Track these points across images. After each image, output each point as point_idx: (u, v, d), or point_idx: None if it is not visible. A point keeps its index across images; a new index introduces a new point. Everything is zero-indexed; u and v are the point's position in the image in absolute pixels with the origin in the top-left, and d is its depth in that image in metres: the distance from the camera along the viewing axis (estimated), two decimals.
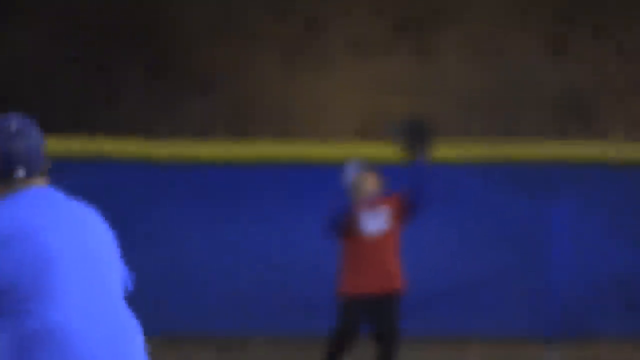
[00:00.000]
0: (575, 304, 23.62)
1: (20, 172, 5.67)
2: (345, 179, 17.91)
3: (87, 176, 22.36)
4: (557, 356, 23.42)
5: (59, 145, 22.41)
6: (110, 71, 26.58)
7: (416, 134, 17.52)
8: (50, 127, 18.84)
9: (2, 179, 5.59)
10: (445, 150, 21.94)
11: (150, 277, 20.33)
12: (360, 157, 19.96)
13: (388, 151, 21.33)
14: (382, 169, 18.49)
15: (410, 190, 17.74)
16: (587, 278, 22.88)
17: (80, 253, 5.45)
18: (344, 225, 17.53)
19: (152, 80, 26.63)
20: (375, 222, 16.67)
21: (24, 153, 5.90)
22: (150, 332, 21.76)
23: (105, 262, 5.52)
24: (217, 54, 27.08)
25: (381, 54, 27.74)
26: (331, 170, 21.11)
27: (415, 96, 26.93)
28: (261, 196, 23.06)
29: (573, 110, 27.70)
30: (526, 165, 23.85)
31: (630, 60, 27.72)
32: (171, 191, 22.75)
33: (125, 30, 26.65)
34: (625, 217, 24.24)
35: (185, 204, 22.72)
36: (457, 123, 26.63)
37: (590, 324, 22.99)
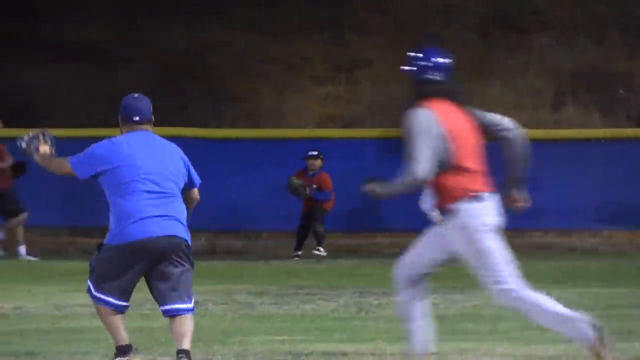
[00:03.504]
0: None
1: (136, 118, 9.34)
2: None
3: None
4: None
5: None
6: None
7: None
8: None
9: (125, 122, 9.29)
10: None
11: None
12: None
13: None
14: None
15: None
16: None
17: (154, 158, 9.18)
18: None
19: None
20: None
21: (140, 108, 9.44)
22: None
23: (166, 166, 9.19)
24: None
25: None
26: None
27: None
28: None
29: None
30: None
31: None
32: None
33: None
34: None
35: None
36: None
37: None
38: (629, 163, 24.23)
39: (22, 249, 21.59)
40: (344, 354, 9.63)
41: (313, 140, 22.88)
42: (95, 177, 9.42)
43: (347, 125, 25.98)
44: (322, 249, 22.35)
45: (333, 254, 21.83)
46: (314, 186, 22.33)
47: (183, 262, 9.33)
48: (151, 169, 9.38)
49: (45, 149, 9.81)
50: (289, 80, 26.74)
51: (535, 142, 23.15)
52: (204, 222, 23.01)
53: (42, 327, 12.07)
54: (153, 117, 9.70)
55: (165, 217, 9.29)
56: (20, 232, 21.72)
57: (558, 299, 13.66)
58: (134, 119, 9.51)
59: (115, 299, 9.19)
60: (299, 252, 22.39)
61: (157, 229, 9.21)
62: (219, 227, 23.83)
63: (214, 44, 27.74)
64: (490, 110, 27.60)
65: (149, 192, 9.29)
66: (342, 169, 22.78)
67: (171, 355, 9.48)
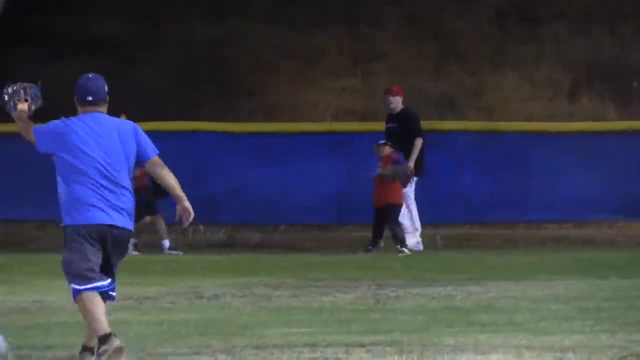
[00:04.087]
0: None
1: (89, 98, 9.31)
2: None
3: None
4: None
5: None
6: None
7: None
8: None
9: (80, 103, 9.23)
10: None
11: None
12: None
13: None
14: None
15: None
16: None
17: (102, 143, 9.23)
18: None
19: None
20: None
21: (93, 88, 9.43)
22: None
23: (114, 144, 9.27)
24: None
25: None
26: None
27: None
28: None
29: None
30: None
31: None
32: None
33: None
34: None
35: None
36: None
37: None
38: None
39: (166, 243, 21.45)
40: (362, 346, 9.62)
41: (330, 134, 22.90)
42: (50, 156, 9.59)
43: (364, 118, 25.91)
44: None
45: (350, 247, 21.67)
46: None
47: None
48: (100, 153, 9.50)
49: (23, 106, 9.86)
50: (305, 73, 26.78)
51: (551, 134, 23.18)
52: (222, 216, 23.33)
53: (63, 320, 11.93)
54: (107, 97, 9.75)
55: (111, 199, 9.48)
56: (162, 227, 21.56)
57: (574, 290, 14.01)
58: (87, 99, 9.59)
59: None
60: (371, 248, 21.62)
61: (103, 214, 9.38)
62: (237, 220, 23.68)
63: (230, 37, 27.72)
64: (506, 101, 26.52)
65: (96, 175, 9.42)
66: (359, 162, 22.49)
67: (190, 347, 9.64)
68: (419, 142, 20.96)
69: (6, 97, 9.64)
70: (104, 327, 9.05)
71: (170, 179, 9.98)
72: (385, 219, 21.70)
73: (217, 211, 23.38)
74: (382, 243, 21.89)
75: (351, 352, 9.36)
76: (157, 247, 20.66)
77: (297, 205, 23.51)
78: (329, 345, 9.79)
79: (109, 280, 9.49)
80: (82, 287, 9.24)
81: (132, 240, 20.32)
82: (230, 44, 27.90)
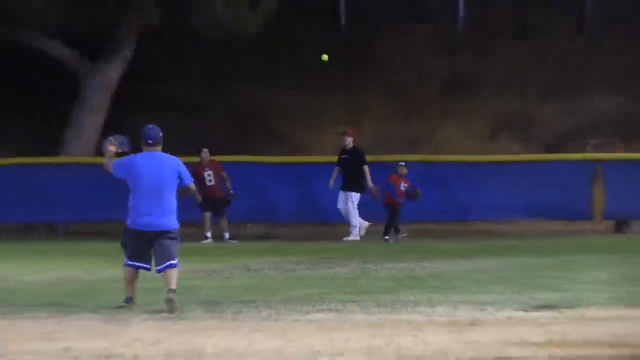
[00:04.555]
0: None
1: (149, 141, 9.49)
2: None
3: None
4: None
5: None
6: None
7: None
8: None
9: (143, 144, 9.42)
10: None
11: None
12: None
13: None
14: None
15: None
16: None
17: (151, 174, 9.32)
18: None
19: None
20: None
21: (152, 135, 9.56)
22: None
23: (161, 172, 9.37)
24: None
25: None
26: None
27: None
28: None
29: None
30: None
31: None
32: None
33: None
34: None
35: None
36: None
37: None
38: (538, 175, 23.31)
39: (226, 235, 20.82)
40: (353, 301, 9.81)
41: (330, 163, 22.10)
42: (122, 179, 9.74)
43: None
44: (388, 238, 20.63)
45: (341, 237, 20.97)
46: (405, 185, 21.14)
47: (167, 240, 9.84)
48: (151, 180, 9.59)
49: (111, 149, 9.97)
50: (314, 122, 26.64)
51: (480, 163, 24.10)
52: (262, 217, 22.94)
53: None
54: (162, 140, 9.89)
55: (156, 210, 9.55)
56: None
57: (493, 265, 14.46)
58: (148, 142, 9.70)
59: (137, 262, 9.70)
60: (387, 237, 20.76)
61: (150, 219, 9.53)
62: (271, 219, 23.22)
63: (265, 97, 27.40)
64: (449, 142, 25.84)
65: (147, 193, 9.53)
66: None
67: (242, 302, 9.78)
68: (367, 169, 20.50)
69: (105, 143, 9.94)
70: (130, 292, 9.48)
71: (197, 197, 11.21)
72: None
73: (259, 214, 22.93)
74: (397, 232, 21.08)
75: (346, 305, 9.55)
76: (220, 238, 20.36)
77: (312, 210, 22.78)
78: (332, 301, 9.97)
79: (148, 263, 9.70)
80: (128, 262, 9.66)
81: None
82: (266, 102, 27.23)
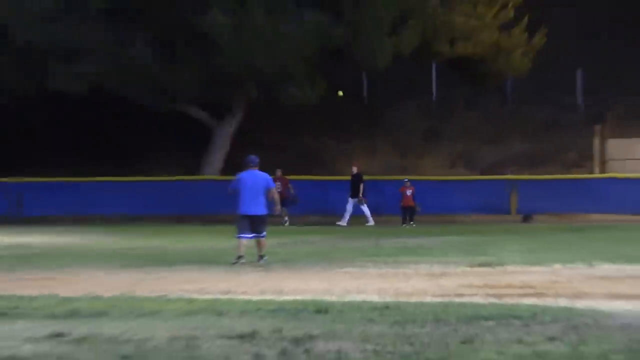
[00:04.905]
0: None
1: (251, 164, 9.29)
2: None
3: None
4: None
5: None
6: None
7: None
8: None
9: (248, 166, 9.17)
10: None
11: None
12: None
13: None
14: None
15: None
16: None
17: (251, 182, 9.00)
18: None
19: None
20: None
21: (253, 160, 9.41)
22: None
23: (257, 184, 9.17)
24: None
25: None
26: None
27: None
28: None
29: None
30: None
31: None
32: None
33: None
34: None
35: None
36: None
37: None
38: (479, 187, 23.25)
39: (286, 220, 19.99)
40: (370, 262, 9.85)
41: (345, 181, 21.51)
42: (234, 189, 9.65)
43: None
44: (407, 224, 20.19)
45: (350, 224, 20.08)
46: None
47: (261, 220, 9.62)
48: (251, 186, 9.58)
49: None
50: (344, 159, 25.04)
51: (446, 181, 22.95)
52: (316, 210, 22.33)
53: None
54: (258, 163, 9.80)
55: (253, 203, 9.50)
56: (286, 214, 19.75)
57: (453, 241, 13.57)
58: (250, 164, 9.75)
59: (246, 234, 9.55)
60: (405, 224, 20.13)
61: (250, 208, 9.52)
62: (315, 212, 22.47)
63: (317, 141, 26.44)
64: (425, 169, 27.10)
65: (249, 194, 9.49)
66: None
67: (304, 262, 9.76)
68: (362, 186, 20.60)
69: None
70: (241, 252, 9.39)
71: (276, 197, 10.10)
72: (408, 214, 20.65)
73: (315, 209, 22.50)
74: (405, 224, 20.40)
75: (365, 264, 9.61)
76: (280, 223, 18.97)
77: (335, 206, 21.71)
78: (357, 261, 10.08)
79: (253, 234, 9.62)
80: (238, 235, 9.69)
81: (286, 218, 19.68)
82: (316, 144, 25.94)
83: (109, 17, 21.31)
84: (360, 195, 20.20)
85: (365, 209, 20.31)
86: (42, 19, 20.60)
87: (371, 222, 20.13)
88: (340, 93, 24.24)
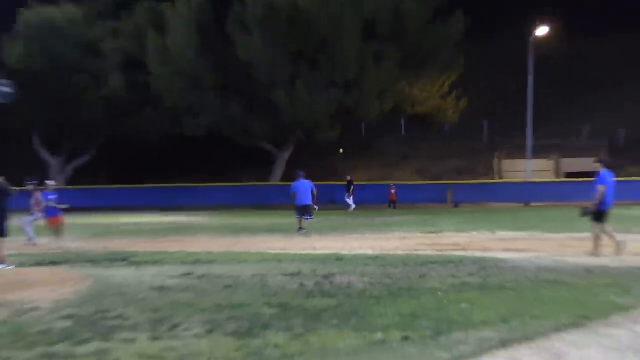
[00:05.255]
0: None
1: (300, 176, 7.37)
2: None
3: None
4: None
5: None
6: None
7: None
8: None
9: (302, 177, 7.02)
10: None
11: None
12: None
13: None
14: None
15: None
16: None
17: (302, 187, 6.96)
18: None
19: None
20: None
21: (300, 175, 8.08)
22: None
23: (305, 188, 8.03)
24: None
25: None
26: None
27: None
28: None
29: None
30: None
31: None
32: None
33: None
34: None
35: None
36: None
37: None
38: (431, 189, 23.44)
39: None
40: (366, 230, 9.57)
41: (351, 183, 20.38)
42: (294, 192, 9.08)
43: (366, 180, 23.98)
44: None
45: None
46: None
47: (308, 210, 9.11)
48: (302, 189, 9.01)
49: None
50: (347, 172, 25.02)
51: (414, 184, 23.01)
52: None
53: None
54: (305, 175, 9.37)
55: (304, 199, 7.82)
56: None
57: (406, 220, 12.82)
58: (300, 176, 8.96)
59: (297, 216, 8.47)
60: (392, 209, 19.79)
61: (302, 202, 7.91)
62: (337, 203, 21.80)
63: (334, 163, 27.56)
64: (402, 177, 24.50)
65: (301, 194, 7.71)
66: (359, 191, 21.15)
67: (326, 243, 8.52)
68: (352, 187, 20.74)
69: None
70: (301, 225, 8.01)
71: (314, 194, 9.49)
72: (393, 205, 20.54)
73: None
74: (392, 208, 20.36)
75: (364, 232, 9.65)
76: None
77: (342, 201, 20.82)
78: (358, 230, 10.11)
79: (305, 216, 9.23)
80: (297, 217, 9.47)
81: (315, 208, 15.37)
82: (340, 167, 26.78)
83: (217, 92, 23.01)
84: (349, 192, 20.19)
85: (350, 200, 20.01)
86: (180, 90, 22.59)
87: (352, 209, 19.87)
88: (341, 150, 25.30)
